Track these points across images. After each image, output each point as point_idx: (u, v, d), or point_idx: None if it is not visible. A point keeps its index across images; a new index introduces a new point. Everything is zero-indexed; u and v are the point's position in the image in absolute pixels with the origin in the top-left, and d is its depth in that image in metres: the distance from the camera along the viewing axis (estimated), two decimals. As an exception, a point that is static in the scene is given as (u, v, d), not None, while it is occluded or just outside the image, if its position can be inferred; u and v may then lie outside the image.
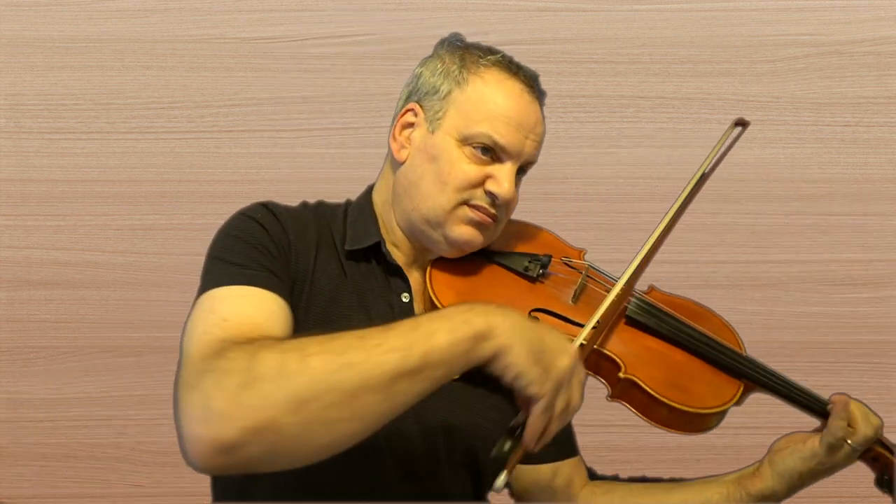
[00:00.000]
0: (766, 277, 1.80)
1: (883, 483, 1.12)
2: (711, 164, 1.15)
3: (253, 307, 0.89)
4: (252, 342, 0.78)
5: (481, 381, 0.90)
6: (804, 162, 1.83)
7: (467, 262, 1.06)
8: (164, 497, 1.79)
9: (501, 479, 0.82)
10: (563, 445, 1.14)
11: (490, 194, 1.01)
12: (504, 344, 0.78)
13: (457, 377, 0.82)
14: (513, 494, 1.17)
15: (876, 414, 1.08)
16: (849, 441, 1.04)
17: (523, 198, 1.08)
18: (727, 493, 1.04)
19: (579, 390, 0.84)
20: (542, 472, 1.13)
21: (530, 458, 1.00)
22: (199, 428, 0.71)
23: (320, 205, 1.11)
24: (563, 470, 1.14)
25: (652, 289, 1.13)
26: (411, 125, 1.06)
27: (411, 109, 1.06)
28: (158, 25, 1.83)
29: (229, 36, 1.84)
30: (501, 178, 1.00)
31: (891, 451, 1.09)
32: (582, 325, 0.95)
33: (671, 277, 1.86)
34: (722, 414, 1.01)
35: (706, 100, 1.84)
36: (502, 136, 1.00)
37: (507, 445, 0.84)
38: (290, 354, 0.74)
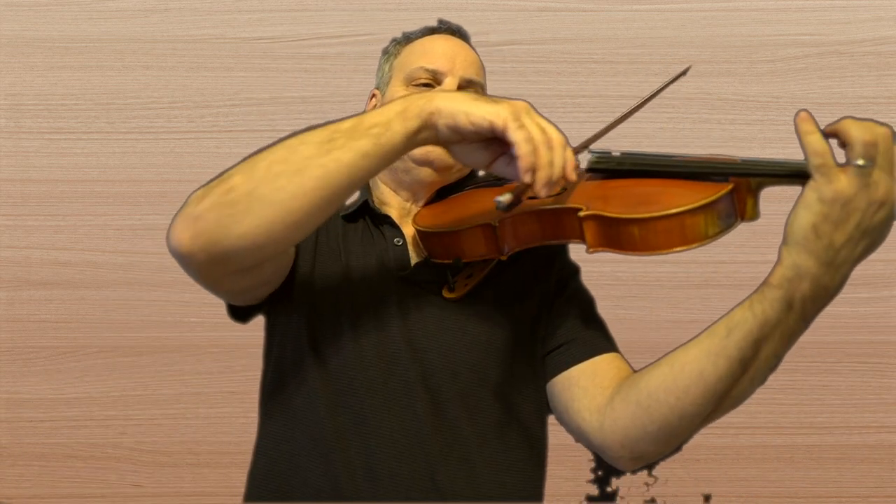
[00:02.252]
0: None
1: None
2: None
3: None
4: None
5: (478, 305, 1.04)
6: (804, 162, 1.83)
7: (446, 198, 1.14)
8: (164, 497, 1.79)
9: (504, 197, 0.87)
10: (586, 345, 1.07)
11: None
12: (437, 102, 0.87)
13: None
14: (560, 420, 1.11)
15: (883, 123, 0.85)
16: (848, 160, 0.82)
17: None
18: (749, 302, 0.86)
19: (550, 124, 0.87)
20: (560, 381, 1.07)
21: (556, 366, 1.05)
22: (183, 212, 0.88)
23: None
24: (588, 369, 1.05)
25: None
26: (375, 106, 1.19)
27: (373, 95, 1.22)
28: (158, 25, 1.83)
29: (229, 36, 1.84)
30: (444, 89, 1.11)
31: None
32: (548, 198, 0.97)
33: (671, 277, 1.86)
34: (708, 210, 0.89)
35: (706, 100, 1.84)
36: (432, 61, 1.14)
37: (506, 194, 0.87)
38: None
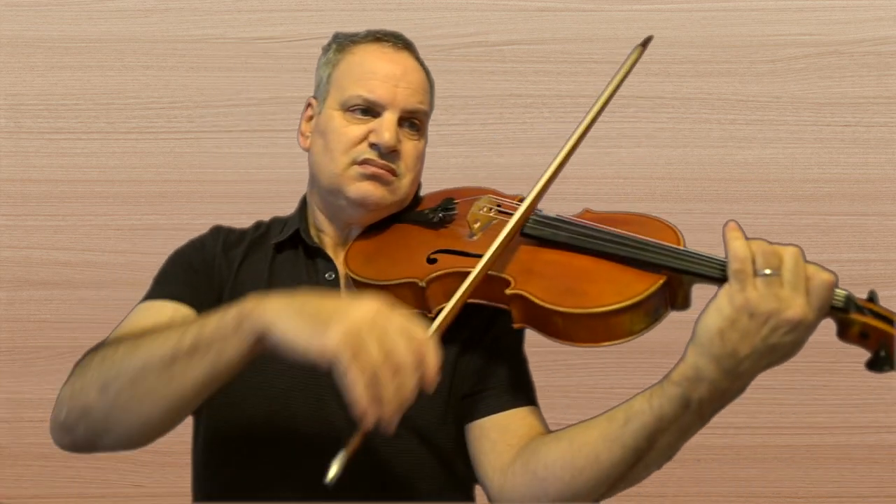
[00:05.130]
0: (766, 277, 1.80)
1: (878, 363, 0.85)
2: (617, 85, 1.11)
3: (149, 316, 1.03)
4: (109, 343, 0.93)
5: None
6: (804, 162, 1.83)
7: (382, 229, 1.11)
8: (165, 497, 1.79)
9: (333, 469, 0.78)
10: (501, 397, 1.05)
11: (374, 146, 1.07)
12: (268, 317, 0.78)
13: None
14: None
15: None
16: (756, 269, 0.81)
17: (523, 198, 1.08)
18: (649, 393, 0.85)
19: (402, 335, 0.76)
20: (473, 429, 1.05)
21: (470, 413, 1.04)
22: (53, 413, 0.91)
23: (273, 219, 1.22)
24: (501, 422, 1.04)
25: (587, 210, 1.08)
26: (311, 118, 1.16)
27: (309, 104, 1.17)
28: (158, 25, 1.83)
29: (229, 36, 1.84)
30: (381, 128, 1.06)
31: (881, 318, 0.85)
32: (480, 257, 0.95)
33: (671, 277, 1.86)
34: (634, 309, 0.87)
35: (706, 100, 1.84)
36: (371, 90, 1.07)
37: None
38: (110, 347, 0.89)
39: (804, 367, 1.75)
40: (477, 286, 0.95)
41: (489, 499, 1.02)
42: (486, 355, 1.06)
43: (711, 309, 0.82)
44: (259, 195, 1.76)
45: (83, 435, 0.90)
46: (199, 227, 1.83)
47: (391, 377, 0.74)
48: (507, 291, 0.93)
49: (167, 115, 1.83)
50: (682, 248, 0.92)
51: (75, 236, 1.83)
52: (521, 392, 1.06)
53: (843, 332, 0.86)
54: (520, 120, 1.83)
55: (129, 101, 1.83)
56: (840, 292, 0.84)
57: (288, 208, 1.22)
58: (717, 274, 0.86)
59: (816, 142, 1.83)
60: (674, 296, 0.91)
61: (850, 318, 0.85)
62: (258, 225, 1.21)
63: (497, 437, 1.01)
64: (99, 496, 1.82)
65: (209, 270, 1.12)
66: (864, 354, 0.89)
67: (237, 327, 0.80)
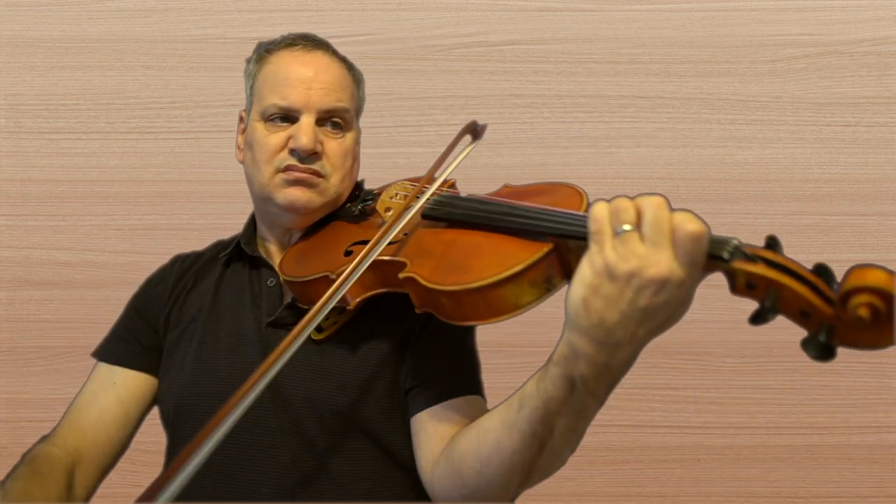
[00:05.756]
0: (766, 277, 1.80)
1: (763, 314, 0.74)
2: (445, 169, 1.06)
3: (90, 394, 1.20)
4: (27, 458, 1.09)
5: (345, 346, 1.03)
6: (804, 162, 1.83)
7: (318, 230, 1.13)
8: (164, 497, 1.79)
9: None
10: (434, 389, 1.03)
11: (293, 151, 1.08)
12: None
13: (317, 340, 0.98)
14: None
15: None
16: (615, 227, 0.74)
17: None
18: (538, 376, 0.80)
19: None
20: (414, 423, 1.04)
21: (409, 407, 1.03)
22: None
23: (233, 237, 1.23)
24: (436, 414, 1.02)
25: (506, 186, 1.06)
26: (244, 130, 1.17)
27: (241, 118, 1.18)
28: (158, 25, 1.83)
29: (229, 36, 1.84)
30: (298, 133, 1.08)
31: (772, 265, 0.74)
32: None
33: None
34: (516, 280, 0.82)
35: (706, 100, 1.84)
36: (285, 97, 1.08)
37: None
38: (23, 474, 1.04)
39: (804, 367, 1.75)
40: (384, 275, 0.95)
41: (427, 492, 1.01)
42: (424, 348, 1.05)
43: (575, 279, 0.75)
44: (259, 195, 1.76)
45: None
46: (199, 227, 1.85)
47: None
48: (400, 276, 0.91)
49: (167, 115, 1.83)
50: (568, 211, 0.85)
51: (75, 236, 1.83)
52: (459, 382, 1.03)
53: (732, 285, 0.77)
54: (520, 120, 1.83)
55: (129, 101, 1.83)
56: (728, 241, 0.75)
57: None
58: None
59: (816, 142, 1.83)
60: (565, 264, 0.84)
61: (734, 268, 0.75)
62: (217, 244, 1.24)
63: (433, 429, 1.00)
64: (99, 496, 1.81)
65: (154, 309, 1.18)
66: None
67: None
